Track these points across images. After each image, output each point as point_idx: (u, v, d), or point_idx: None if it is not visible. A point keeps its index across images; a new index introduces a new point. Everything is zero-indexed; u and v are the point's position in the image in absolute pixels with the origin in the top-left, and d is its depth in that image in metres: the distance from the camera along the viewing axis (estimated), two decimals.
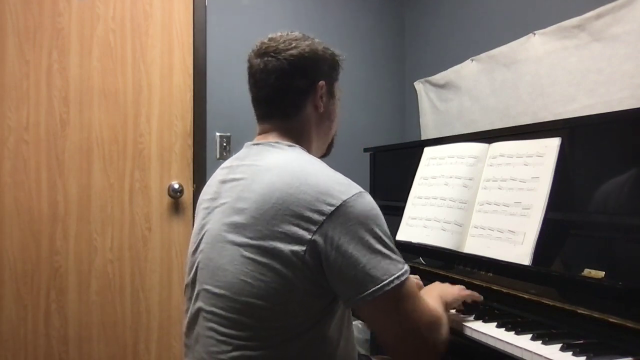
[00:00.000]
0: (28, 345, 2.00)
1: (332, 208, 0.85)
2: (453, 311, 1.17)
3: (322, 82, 1.04)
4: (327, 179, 0.90)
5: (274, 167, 0.93)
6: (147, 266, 2.18)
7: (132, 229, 2.16)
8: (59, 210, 2.05)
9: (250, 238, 0.88)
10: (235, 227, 0.91)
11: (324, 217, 0.85)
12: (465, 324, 1.12)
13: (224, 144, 2.30)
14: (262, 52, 1.02)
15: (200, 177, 2.24)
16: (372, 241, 0.86)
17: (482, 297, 1.18)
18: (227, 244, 0.91)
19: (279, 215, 0.86)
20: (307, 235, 0.85)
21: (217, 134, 2.30)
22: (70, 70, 2.07)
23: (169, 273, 2.21)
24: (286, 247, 0.85)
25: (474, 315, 1.16)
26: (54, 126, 2.05)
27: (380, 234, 0.87)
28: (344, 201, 0.86)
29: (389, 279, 0.84)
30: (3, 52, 1.98)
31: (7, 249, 1.98)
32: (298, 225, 0.85)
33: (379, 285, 0.84)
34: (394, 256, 0.87)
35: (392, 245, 0.89)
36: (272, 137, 1.03)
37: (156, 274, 2.19)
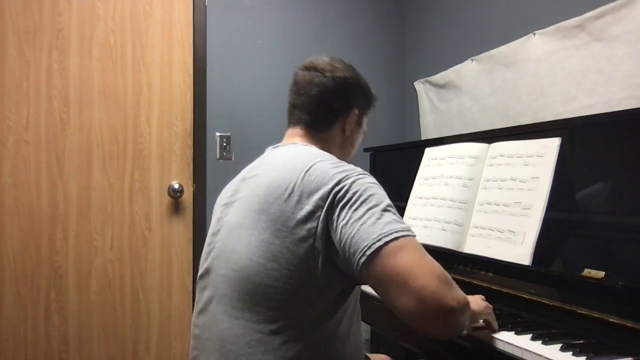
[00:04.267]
0: (28, 345, 2.00)
1: (337, 181, 0.89)
2: None
3: (355, 110, 1.13)
4: (334, 164, 0.94)
5: (286, 159, 0.99)
6: (147, 266, 2.18)
7: (132, 229, 2.16)
8: (59, 210, 2.05)
9: (265, 221, 0.92)
10: (251, 213, 0.95)
11: (329, 190, 0.89)
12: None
13: (224, 144, 2.30)
14: (312, 67, 1.11)
15: (200, 177, 2.24)
16: (372, 203, 0.87)
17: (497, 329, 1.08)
18: (243, 230, 0.95)
19: (289, 197, 0.91)
20: (317, 212, 0.88)
21: (217, 134, 2.30)
22: (70, 70, 2.07)
23: (169, 273, 2.21)
24: (298, 227, 0.89)
25: None
26: (54, 126, 2.05)
27: (383, 200, 0.88)
28: (347, 175, 0.90)
29: (389, 232, 0.83)
30: (3, 52, 1.98)
31: (7, 249, 1.98)
32: (308, 204, 0.89)
33: (378, 238, 0.82)
34: (396, 217, 0.87)
35: (395, 212, 0.89)
36: (292, 141, 1.09)
37: (156, 274, 2.19)
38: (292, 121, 1.13)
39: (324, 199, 0.88)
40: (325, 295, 0.91)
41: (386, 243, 0.82)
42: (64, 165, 2.06)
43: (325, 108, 1.10)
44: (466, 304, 0.84)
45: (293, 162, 0.96)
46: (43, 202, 2.03)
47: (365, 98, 1.17)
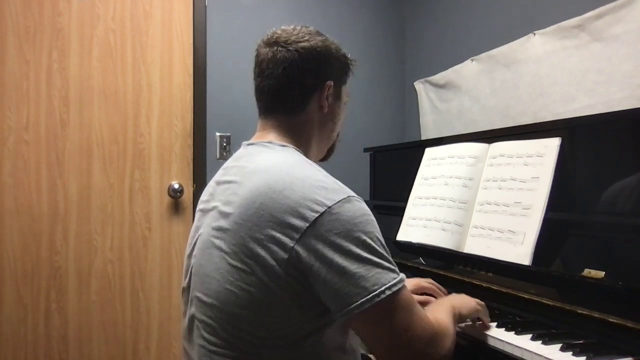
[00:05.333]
0: (28, 345, 2.00)
1: (316, 215, 0.79)
2: None
3: (330, 82, 0.99)
4: (314, 183, 0.84)
5: (261, 170, 0.89)
6: (147, 266, 2.18)
7: (132, 229, 2.15)
8: (59, 210, 2.05)
9: (235, 245, 0.84)
10: (222, 233, 0.87)
11: (307, 224, 0.79)
12: (465, 324, 1.12)
13: (224, 144, 2.30)
14: (273, 42, 0.98)
15: (200, 177, 2.24)
16: (360, 249, 0.79)
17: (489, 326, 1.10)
18: (214, 250, 0.88)
19: (261, 221, 0.82)
20: (290, 244, 0.80)
21: (217, 134, 2.30)
22: (70, 70, 2.07)
23: (169, 273, 2.21)
24: (268, 256, 0.81)
25: None
26: (54, 126, 2.05)
27: (370, 241, 0.80)
28: (329, 207, 0.80)
29: (379, 289, 0.77)
30: (3, 52, 1.98)
31: (7, 249, 1.98)
32: (281, 233, 0.80)
33: (368, 297, 0.77)
34: (385, 264, 0.80)
35: (384, 253, 0.82)
36: (269, 136, 0.99)
37: (156, 274, 2.19)
38: (263, 109, 1.01)
39: (298, 230, 0.79)
40: (302, 318, 0.84)
41: (376, 304, 0.77)
42: (64, 165, 2.06)
43: (295, 87, 0.96)
44: (452, 344, 0.87)
45: (268, 177, 0.86)
46: (43, 202, 2.03)
47: (340, 66, 1.02)
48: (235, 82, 2.33)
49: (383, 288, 0.78)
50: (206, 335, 0.88)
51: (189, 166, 2.25)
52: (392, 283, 0.79)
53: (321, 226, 0.79)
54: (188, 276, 0.97)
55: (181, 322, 1.01)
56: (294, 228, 0.80)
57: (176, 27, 2.23)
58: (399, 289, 0.80)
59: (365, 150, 2.24)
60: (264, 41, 1.00)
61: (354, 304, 0.78)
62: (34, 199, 2.02)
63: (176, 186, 2.19)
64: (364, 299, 0.77)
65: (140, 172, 2.17)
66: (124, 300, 2.14)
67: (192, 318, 0.93)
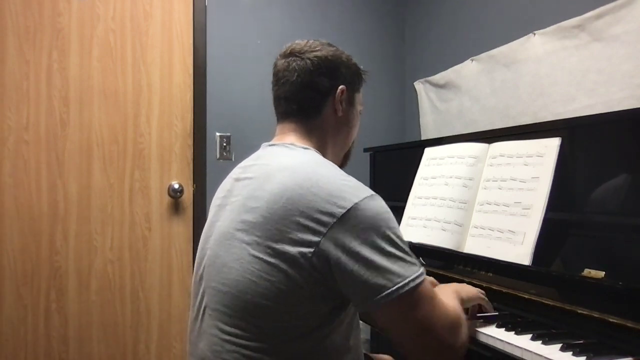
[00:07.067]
0: (28, 345, 2.00)
1: (343, 210, 0.84)
2: None
3: (342, 87, 1.06)
4: (339, 181, 0.89)
5: (286, 168, 0.93)
6: (147, 266, 2.18)
7: (132, 229, 2.16)
8: (59, 210, 2.05)
9: (259, 237, 0.88)
10: (245, 225, 0.91)
11: (334, 220, 0.84)
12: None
13: (224, 144, 2.30)
14: (288, 54, 1.06)
15: (200, 177, 2.24)
16: (385, 244, 0.84)
17: (494, 311, 1.14)
18: (235, 242, 0.92)
19: (288, 215, 0.86)
20: (316, 238, 0.84)
21: (217, 134, 2.30)
22: (70, 70, 2.07)
23: (169, 273, 2.22)
24: (294, 249, 0.85)
25: None
26: (54, 126, 2.05)
27: (393, 236, 0.85)
28: (355, 204, 0.85)
29: (404, 282, 0.82)
30: (3, 52, 1.98)
31: (7, 249, 1.98)
32: (307, 227, 0.85)
33: (393, 288, 0.82)
34: (408, 258, 0.85)
35: (405, 247, 0.87)
36: (288, 139, 1.04)
37: (156, 274, 2.19)
38: (281, 114, 1.08)
39: (325, 224, 0.84)
40: (319, 310, 0.88)
41: (400, 295, 0.82)
42: (64, 165, 2.06)
43: (309, 92, 1.03)
44: (467, 341, 0.92)
45: (294, 175, 0.90)
46: (43, 202, 2.03)
47: (351, 73, 1.10)
48: (235, 82, 2.33)
49: (407, 280, 0.83)
50: (220, 324, 0.91)
51: (189, 166, 2.25)
52: (415, 276, 0.84)
53: (348, 221, 0.84)
54: (202, 268, 1.00)
55: (189, 315, 1.04)
56: (321, 223, 0.84)
57: (176, 27, 2.23)
58: (422, 282, 0.85)
59: (365, 150, 2.24)
60: (280, 54, 1.08)
61: (381, 295, 0.82)
62: (34, 199, 2.02)
63: (176, 186, 2.19)
64: (390, 290, 0.82)
65: (140, 172, 2.17)
66: (124, 300, 2.14)
67: (204, 308, 0.96)
